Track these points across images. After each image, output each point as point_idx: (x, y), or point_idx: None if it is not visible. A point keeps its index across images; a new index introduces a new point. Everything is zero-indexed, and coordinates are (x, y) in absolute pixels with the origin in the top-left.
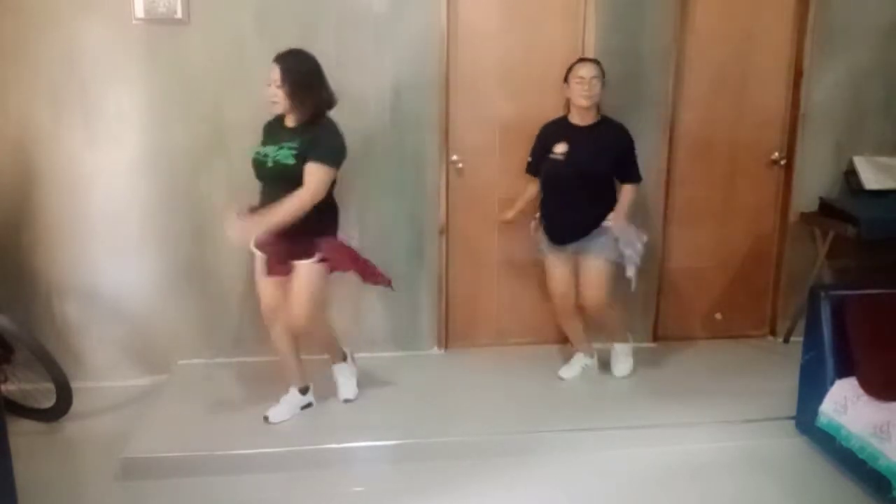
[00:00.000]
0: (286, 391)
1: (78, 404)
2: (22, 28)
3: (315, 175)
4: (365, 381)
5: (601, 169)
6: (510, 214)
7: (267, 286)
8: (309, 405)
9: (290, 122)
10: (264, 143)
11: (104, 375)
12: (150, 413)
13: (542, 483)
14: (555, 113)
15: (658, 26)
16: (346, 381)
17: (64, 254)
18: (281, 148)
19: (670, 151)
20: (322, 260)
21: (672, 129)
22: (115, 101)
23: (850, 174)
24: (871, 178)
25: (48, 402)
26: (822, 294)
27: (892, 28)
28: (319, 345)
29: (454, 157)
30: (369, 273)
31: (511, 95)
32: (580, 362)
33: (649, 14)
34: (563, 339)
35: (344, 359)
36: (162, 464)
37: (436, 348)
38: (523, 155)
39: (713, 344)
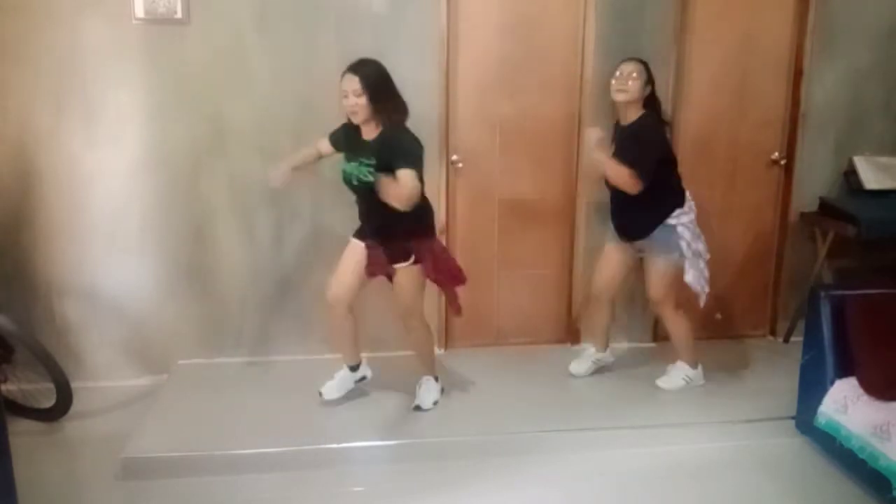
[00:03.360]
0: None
1: (78, 404)
2: (22, 28)
3: (406, 179)
4: (365, 381)
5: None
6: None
7: (346, 276)
8: (363, 378)
9: (366, 133)
10: (346, 156)
11: (104, 375)
12: (150, 413)
13: (542, 483)
14: (554, 113)
15: (658, 26)
16: (427, 394)
17: (64, 254)
18: (361, 164)
19: None
20: (416, 262)
21: (672, 129)
22: (115, 101)
23: (850, 174)
24: (871, 178)
25: (48, 402)
26: (822, 294)
27: (892, 28)
28: (421, 349)
29: (454, 157)
30: (449, 291)
31: (511, 95)
32: (591, 357)
33: (649, 14)
34: (563, 339)
35: (434, 376)
36: (162, 464)
37: (436, 348)
38: (523, 155)
39: (713, 344)
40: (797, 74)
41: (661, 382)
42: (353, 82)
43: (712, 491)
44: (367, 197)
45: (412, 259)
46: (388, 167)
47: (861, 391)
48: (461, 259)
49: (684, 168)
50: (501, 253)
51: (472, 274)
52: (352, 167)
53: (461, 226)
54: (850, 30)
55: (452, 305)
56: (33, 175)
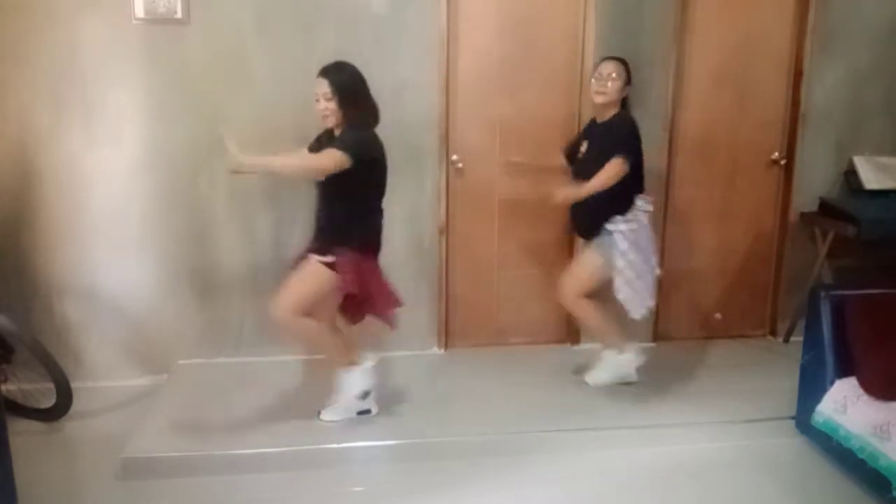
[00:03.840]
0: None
1: (78, 404)
2: (22, 28)
3: (327, 154)
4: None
5: (600, 165)
6: (517, 158)
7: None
8: (367, 412)
9: (337, 131)
10: None
11: (104, 375)
12: (150, 413)
13: (542, 483)
14: (555, 113)
15: (658, 26)
16: (348, 388)
17: (64, 254)
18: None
19: (670, 151)
20: (330, 265)
21: (672, 129)
22: (115, 101)
23: (850, 174)
24: (871, 178)
25: (48, 402)
26: (822, 294)
27: (892, 28)
28: (308, 345)
29: (454, 157)
30: (379, 306)
31: (511, 95)
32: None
33: (649, 14)
34: (564, 339)
35: (351, 364)
36: (162, 464)
37: (436, 348)
38: (523, 155)
39: (713, 344)
40: (797, 74)
41: (588, 377)
42: (323, 86)
43: (712, 491)
44: (318, 194)
45: (327, 258)
46: None
47: (861, 391)
48: (462, 259)
49: (684, 168)
50: (501, 253)
51: (472, 274)
52: None
53: (461, 226)
54: (850, 30)
55: (384, 319)
56: (33, 175)
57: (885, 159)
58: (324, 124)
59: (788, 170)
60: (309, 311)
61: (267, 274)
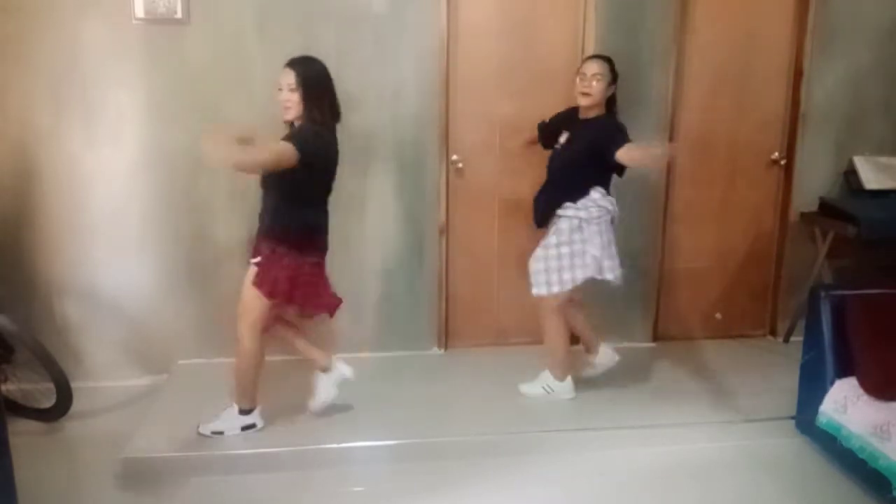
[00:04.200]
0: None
1: (78, 404)
2: (22, 28)
3: (277, 145)
4: (365, 380)
5: (573, 164)
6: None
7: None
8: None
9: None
10: None
11: (104, 375)
12: (150, 413)
13: (542, 483)
14: (554, 113)
15: (658, 26)
16: (319, 392)
17: (64, 254)
18: None
19: None
20: (257, 264)
21: (672, 129)
22: (115, 101)
23: (850, 174)
24: (871, 177)
25: (48, 402)
26: (822, 294)
27: (892, 28)
28: (238, 361)
29: (454, 157)
30: (308, 306)
31: (511, 95)
32: (585, 364)
33: (649, 14)
34: None
35: (324, 370)
36: (162, 464)
37: (436, 348)
38: (523, 155)
39: (713, 344)
40: (797, 74)
41: (523, 387)
42: (289, 76)
43: (712, 491)
44: (262, 192)
45: (255, 259)
46: None
47: (861, 391)
48: (462, 259)
49: (684, 168)
50: (501, 253)
51: (473, 274)
52: None
53: (461, 226)
54: (850, 30)
55: (314, 309)
56: (33, 175)
57: (885, 159)
58: (284, 115)
59: (788, 170)
60: (263, 321)
61: None
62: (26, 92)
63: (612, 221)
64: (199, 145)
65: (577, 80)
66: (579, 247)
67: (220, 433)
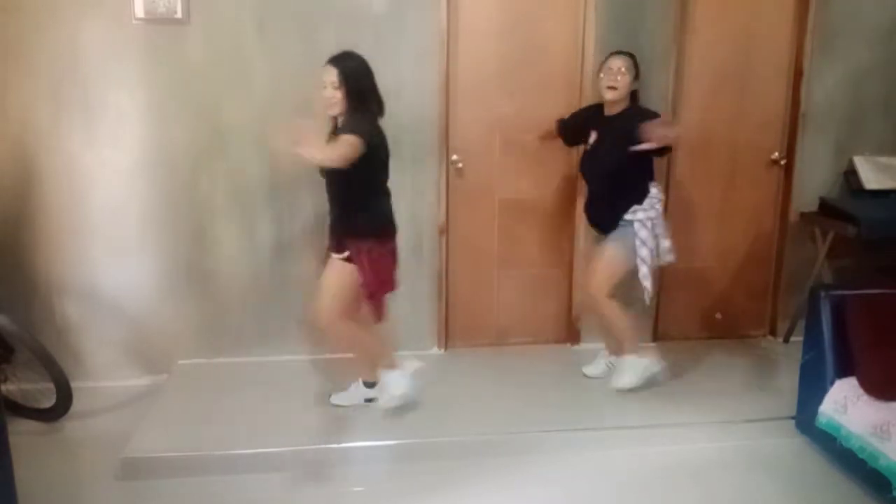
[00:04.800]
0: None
1: (78, 404)
2: (22, 28)
3: (344, 141)
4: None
5: (616, 162)
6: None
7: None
8: (372, 400)
9: (341, 122)
10: None
11: (104, 375)
12: (150, 413)
13: (542, 483)
14: (555, 113)
15: (658, 26)
16: (388, 388)
17: (64, 254)
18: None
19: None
20: (348, 259)
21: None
22: (115, 101)
23: (850, 174)
24: (871, 177)
25: (48, 402)
26: (822, 294)
27: (891, 28)
28: (347, 348)
29: (454, 157)
30: (375, 303)
31: (511, 95)
32: (605, 359)
33: (649, 14)
34: (564, 339)
35: (391, 366)
36: (162, 464)
37: (436, 348)
38: (523, 155)
39: (713, 344)
40: (797, 74)
41: (615, 382)
42: (332, 74)
43: (712, 491)
44: (326, 186)
45: (345, 254)
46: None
47: (861, 391)
48: (462, 259)
49: (684, 168)
50: (501, 253)
51: (472, 274)
52: None
53: (461, 226)
54: (850, 30)
55: (374, 314)
56: (33, 175)
57: (885, 159)
58: (329, 112)
59: (788, 170)
60: (348, 311)
61: (267, 274)
62: (26, 92)
63: None
64: (198, 146)
65: (602, 75)
66: (655, 242)
67: (346, 406)
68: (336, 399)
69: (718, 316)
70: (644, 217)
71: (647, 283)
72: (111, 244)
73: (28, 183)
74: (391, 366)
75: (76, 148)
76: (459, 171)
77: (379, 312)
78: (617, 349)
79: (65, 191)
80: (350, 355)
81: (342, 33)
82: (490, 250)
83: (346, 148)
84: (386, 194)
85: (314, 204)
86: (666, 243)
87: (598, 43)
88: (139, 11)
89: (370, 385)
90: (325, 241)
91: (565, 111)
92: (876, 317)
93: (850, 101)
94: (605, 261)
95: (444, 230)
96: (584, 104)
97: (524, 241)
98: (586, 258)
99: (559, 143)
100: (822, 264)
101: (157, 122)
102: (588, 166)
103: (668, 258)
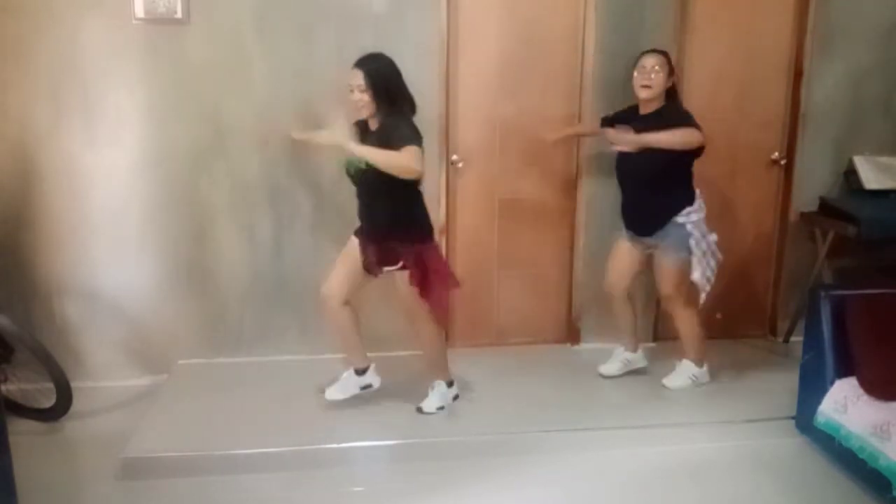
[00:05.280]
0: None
1: (78, 404)
2: (22, 28)
3: (408, 153)
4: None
5: (654, 165)
6: (553, 135)
7: (339, 270)
8: (369, 387)
9: (372, 125)
10: None
11: (104, 375)
12: (150, 413)
13: (542, 483)
14: (555, 113)
15: (658, 26)
16: (433, 398)
17: (64, 254)
18: None
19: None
20: (404, 267)
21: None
22: (115, 101)
23: (850, 174)
24: (871, 177)
25: (48, 402)
26: (822, 294)
27: (892, 28)
28: (425, 350)
29: (454, 157)
30: (433, 299)
31: (511, 95)
32: (620, 357)
33: (649, 14)
34: (564, 339)
35: (446, 381)
36: (162, 464)
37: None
38: (523, 155)
39: (713, 344)
40: (797, 74)
41: (668, 381)
42: (358, 77)
43: (712, 491)
44: (365, 191)
45: (400, 264)
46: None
47: (861, 391)
48: (461, 259)
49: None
50: (501, 253)
51: (472, 274)
52: (351, 157)
53: (461, 226)
54: (850, 30)
55: (435, 313)
56: (33, 175)
57: (885, 159)
58: (357, 115)
59: (788, 170)
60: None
61: (267, 274)
62: (26, 92)
63: None
64: (198, 146)
65: (636, 74)
66: (709, 237)
67: (442, 408)
68: (330, 394)
69: (718, 316)
70: (697, 219)
71: (702, 282)
72: (111, 244)
73: (28, 183)
74: (445, 375)
75: (76, 148)
76: (459, 171)
77: (441, 313)
78: (634, 345)
79: (65, 191)
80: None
81: (342, 33)
82: (490, 250)
83: (412, 160)
84: (420, 193)
85: (313, 203)
86: (714, 237)
87: (598, 43)
88: (139, 11)
89: (362, 372)
90: (359, 230)
91: (565, 111)
92: (876, 317)
93: (850, 101)
94: (669, 267)
95: (444, 230)
96: (584, 104)
97: (524, 241)
98: (587, 258)
99: (569, 145)
100: (822, 264)
101: (157, 122)
102: (626, 171)
103: (719, 255)
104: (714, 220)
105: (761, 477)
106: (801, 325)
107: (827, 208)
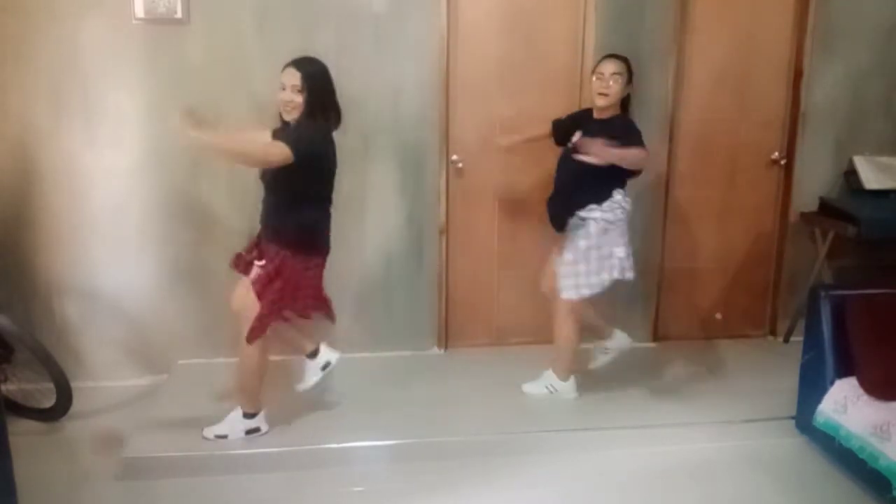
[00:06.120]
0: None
1: (78, 404)
2: (22, 28)
3: (273, 145)
4: (365, 380)
5: (587, 164)
6: (505, 141)
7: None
8: (328, 364)
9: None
10: None
11: (104, 375)
12: (150, 413)
13: (542, 483)
14: (555, 113)
15: (658, 26)
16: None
17: (64, 253)
18: None
19: (670, 151)
20: (262, 268)
21: (672, 129)
22: (115, 101)
23: (850, 174)
24: (871, 177)
25: (48, 402)
26: (822, 294)
27: (892, 28)
28: (239, 368)
29: (454, 157)
30: (299, 307)
31: (511, 95)
32: (600, 350)
33: (649, 14)
34: None
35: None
36: (162, 464)
37: (436, 348)
38: (523, 155)
39: (713, 344)
40: (797, 74)
41: (526, 386)
42: (294, 77)
43: (712, 491)
44: (264, 189)
45: (261, 262)
46: None
47: (861, 391)
48: (461, 259)
49: (684, 168)
50: (501, 253)
51: (472, 274)
52: None
53: (461, 226)
54: (850, 30)
55: (258, 320)
56: (34, 175)
57: (885, 159)
58: (286, 116)
59: (788, 170)
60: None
61: None
62: (26, 92)
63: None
64: (188, 138)
65: (594, 79)
66: (607, 249)
67: (224, 437)
68: (207, 432)
69: (718, 316)
70: (599, 216)
71: (561, 271)
72: (111, 244)
73: (28, 182)
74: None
75: (76, 148)
76: (459, 171)
77: (263, 326)
78: (606, 332)
79: (65, 191)
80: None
81: (342, 33)
82: (490, 250)
83: (268, 151)
84: (320, 208)
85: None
86: (620, 252)
87: (598, 43)
88: (139, 11)
89: (250, 415)
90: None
91: (565, 111)
92: (876, 317)
93: (850, 101)
94: (559, 265)
95: (444, 230)
96: (584, 104)
97: (524, 241)
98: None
99: (550, 143)
100: (822, 264)
101: (157, 121)
102: (561, 163)
103: (627, 275)
104: (714, 220)
105: (761, 477)
106: (801, 325)
107: (827, 208)
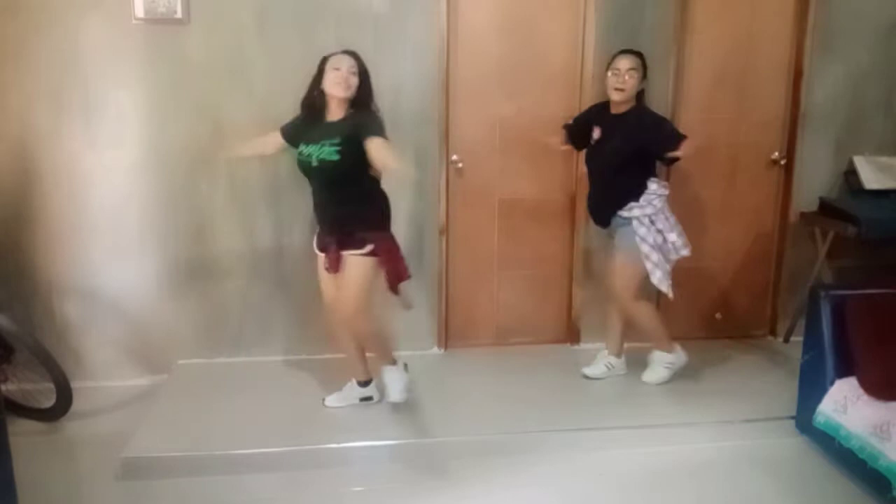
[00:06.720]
0: (349, 381)
1: (78, 404)
2: (22, 28)
3: (382, 147)
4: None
5: (620, 159)
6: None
7: (327, 282)
8: (369, 398)
9: (334, 115)
10: (304, 141)
11: (104, 375)
12: (150, 413)
13: (543, 483)
14: (554, 113)
15: (658, 26)
16: (394, 383)
17: (64, 253)
18: (322, 146)
19: None
20: (371, 253)
21: None
22: (115, 101)
23: (850, 174)
24: (871, 177)
25: (48, 402)
26: (822, 294)
27: (892, 28)
28: (367, 342)
29: (454, 157)
30: (394, 279)
31: (511, 95)
32: (604, 360)
33: (649, 14)
34: (563, 339)
35: (394, 363)
36: (162, 464)
37: (436, 348)
38: (523, 155)
39: (713, 344)
40: (797, 74)
41: (646, 376)
42: (350, 62)
43: (712, 491)
44: (324, 183)
45: (366, 249)
46: (355, 144)
47: (861, 391)
48: (462, 259)
49: (684, 167)
50: (501, 253)
51: (472, 274)
52: (312, 149)
53: (461, 226)
54: (850, 30)
55: (392, 288)
56: (34, 175)
57: (885, 159)
58: (343, 94)
59: (788, 170)
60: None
61: (267, 274)
62: (26, 92)
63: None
64: (198, 146)
65: (610, 74)
66: (661, 238)
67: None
68: (331, 401)
69: (718, 316)
70: (640, 213)
71: (656, 280)
72: (111, 244)
73: (28, 182)
74: (392, 362)
75: (76, 148)
76: (459, 171)
77: (396, 288)
78: (619, 350)
79: (65, 191)
80: (343, 355)
81: (342, 33)
82: (490, 250)
83: (391, 154)
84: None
85: (313, 203)
86: (672, 237)
87: (598, 43)
88: (139, 11)
89: (364, 384)
90: (318, 240)
91: (565, 111)
92: (876, 317)
93: (850, 101)
94: (619, 264)
95: (444, 230)
96: (584, 104)
97: (524, 241)
98: (598, 256)
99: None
100: (822, 264)
101: (157, 121)
102: (592, 163)
103: (683, 252)
104: (714, 220)
105: (761, 477)
106: (801, 325)
107: (827, 208)
